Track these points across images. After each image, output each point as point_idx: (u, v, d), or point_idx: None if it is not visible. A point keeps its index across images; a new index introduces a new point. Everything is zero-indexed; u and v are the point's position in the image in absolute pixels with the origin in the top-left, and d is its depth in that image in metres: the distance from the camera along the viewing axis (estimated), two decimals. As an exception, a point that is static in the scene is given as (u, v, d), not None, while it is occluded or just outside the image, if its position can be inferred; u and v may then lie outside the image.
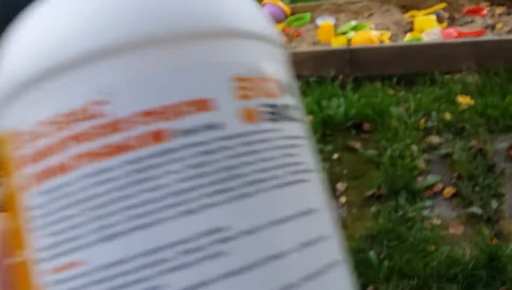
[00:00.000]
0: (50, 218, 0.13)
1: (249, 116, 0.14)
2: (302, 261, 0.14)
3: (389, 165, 1.58)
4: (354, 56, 2.12)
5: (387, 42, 2.25)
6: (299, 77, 2.20)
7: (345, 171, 1.62)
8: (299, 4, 2.98)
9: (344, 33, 2.41)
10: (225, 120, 0.14)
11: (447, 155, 1.59)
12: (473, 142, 1.59)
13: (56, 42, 0.14)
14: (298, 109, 0.17)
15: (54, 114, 0.13)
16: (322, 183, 0.17)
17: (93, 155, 0.13)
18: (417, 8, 2.61)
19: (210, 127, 0.14)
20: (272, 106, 0.15)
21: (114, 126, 0.13)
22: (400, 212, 1.39)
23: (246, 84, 0.14)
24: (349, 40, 2.23)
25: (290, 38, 2.57)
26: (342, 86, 2.08)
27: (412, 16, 2.49)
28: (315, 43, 2.46)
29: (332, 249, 0.16)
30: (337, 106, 1.91)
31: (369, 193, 1.50)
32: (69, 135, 0.13)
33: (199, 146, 0.13)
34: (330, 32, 2.44)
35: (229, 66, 0.14)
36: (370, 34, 2.27)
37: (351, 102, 1.93)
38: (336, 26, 2.58)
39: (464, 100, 1.78)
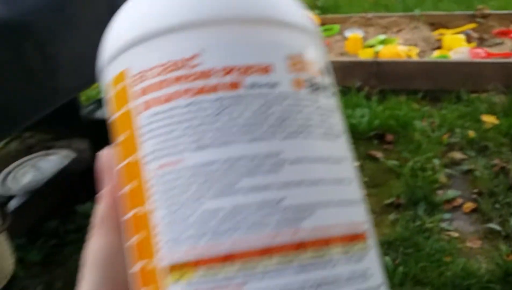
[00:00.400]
0: (155, 131, 0.19)
1: (297, 84, 0.20)
2: (332, 190, 0.20)
3: (410, 176, 1.60)
4: (380, 68, 2.15)
5: (415, 58, 2.27)
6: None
7: (365, 179, 1.64)
8: (329, 16, 3.02)
9: (372, 46, 2.43)
10: (280, 82, 0.20)
11: (469, 171, 1.61)
12: (496, 161, 1.60)
13: (166, 11, 0.20)
14: (330, 87, 0.22)
15: (162, 61, 0.19)
16: (347, 143, 0.22)
17: (188, 91, 0.19)
18: (447, 26, 2.63)
19: (269, 84, 0.19)
20: (313, 81, 0.21)
21: (203, 74, 0.19)
22: (418, 222, 1.41)
23: (296, 62, 0.20)
24: (376, 53, 2.25)
25: (319, 47, 2.60)
26: (367, 97, 2.11)
27: (441, 34, 2.51)
28: (342, 54, 2.49)
29: (357, 192, 0.21)
30: (361, 115, 1.94)
31: (388, 201, 1.52)
32: (171, 76, 0.19)
33: (260, 96, 0.19)
34: (358, 44, 2.47)
35: (287, 46, 0.20)
36: (397, 49, 2.29)
37: (375, 113, 1.95)
38: (364, 39, 2.61)
39: (488, 119, 1.79)
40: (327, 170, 0.20)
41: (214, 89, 0.19)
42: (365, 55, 2.33)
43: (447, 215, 1.43)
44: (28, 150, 2.02)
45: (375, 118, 1.92)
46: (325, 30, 2.80)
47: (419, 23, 2.68)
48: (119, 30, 0.21)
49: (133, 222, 0.20)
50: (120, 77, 0.20)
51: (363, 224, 0.21)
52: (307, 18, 0.23)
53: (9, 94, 1.00)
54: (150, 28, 0.20)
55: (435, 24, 2.68)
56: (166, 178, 0.19)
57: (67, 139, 2.03)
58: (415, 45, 2.46)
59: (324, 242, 0.19)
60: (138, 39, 0.20)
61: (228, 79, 0.19)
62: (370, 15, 2.83)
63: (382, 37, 2.51)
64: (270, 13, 0.21)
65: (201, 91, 0.19)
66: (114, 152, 0.22)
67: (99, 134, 1.66)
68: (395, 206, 1.50)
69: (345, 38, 2.64)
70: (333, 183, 0.20)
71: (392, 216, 1.45)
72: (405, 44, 2.46)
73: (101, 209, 0.23)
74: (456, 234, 1.36)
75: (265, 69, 0.20)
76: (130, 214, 0.20)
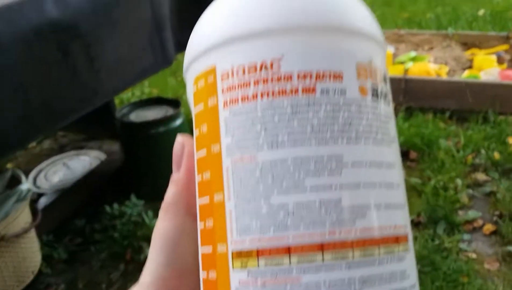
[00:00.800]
0: (233, 128, 0.21)
1: (363, 91, 0.22)
2: (383, 194, 0.21)
3: (432, 195, 1.60)
4: (409, 85, 2.15)
5: (444, 77, 2.27)
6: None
7: (386, 195, 1.65)
8: (360, 31, 3.03)
9: (402, 63, 2.44)
10: (349, 89, 0.21)
11: (491, 193, 1.60)
12: (519, 184, 1.59)
13: (252, 16, 0.22)
14: (390, 95, 0.24)
15: (246, 63, 0.21)
16: (398, 151, 0.24)
17: (268, 93, 0.21)
18: (479, 47, 2.61)
19: (339, 91, 0.21)
20: (377, 88, 0.22)
21: (282, 78, 0.21)
22: (437, 241, 1.41)
23: (363, 70, 0.22)
24: (406, 70, 2.26)
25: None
26: (394, 114, 2.11)
27: (473, 54, 2.49)
28: (371, 69, 2.50)
29: (403, 196, 0.23)
30: (386, 131, 1.95)
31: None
32: (254, 78, 0.21)
33: (332, 102, 0.21)
34: (388, 60, 2.47)
35: (357, 54, 0.22)
36: (428, 67, 2.29)
37: (400, 130, 1.96)
38: (395, 55, 2.62)
39: (515, 142, 1.78)
40: (381, 175, 0.21)
41: (290, 92, 0.21)
42: (394, 71, 2.33)
43: (466, 236, 1.43)
44: (60, 149, 2.09)
45: (400, 135, 1.92)
46: (356, 45, 2.82)
47: (452, 42, 2.67)
48: (210, 28, 0.23)
49: (208, 208, 0.22)
50: (209, 72, 0.22)
51: (405, 227, 0.22)
52: (376, 26, 0.24)
53: (53, 92, 1.04)
54: (238, 30, 0.21)
55: (467, 44, 2.66)
56: (241, 171, 0.21)
57: (99, 140, 2.10)
58: (446, 63, 2.45)
59: (372, 242, 0.20)
60: (226, 40, 0.22)
61: (304, 84, 0.21)
62: (402, 31, 2.84)
63: (413, 54, 2.51)
64: (343, 22, 0.22)
65: (278, 93, 0.21)
66: (192, 140, 0.24)
67: (130, 137, 1.72)
68: (415, 224, 1.50)
69: (375, 54, 2.66)
70: (384, 187, 0.21)
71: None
72: (436, 62, 2.46)
73: (172, 192, 0.25)
74: (474, 255, 1.36)
75: (337, 76, 0.21)
76: (205, 200, 0.22)
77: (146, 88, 2.72)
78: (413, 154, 1.85)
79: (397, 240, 0.21)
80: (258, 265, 0.20)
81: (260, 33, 0.21)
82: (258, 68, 0.21)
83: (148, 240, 1.48)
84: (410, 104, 2.15)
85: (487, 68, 2.27)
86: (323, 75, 0.21)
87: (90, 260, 1.49)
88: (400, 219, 0.22)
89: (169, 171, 0.26)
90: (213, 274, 0.21)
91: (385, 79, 0.23)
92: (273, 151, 0.20)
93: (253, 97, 0.21)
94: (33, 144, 2.12)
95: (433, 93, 2.13)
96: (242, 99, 0.21)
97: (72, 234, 1.59)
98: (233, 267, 0.20)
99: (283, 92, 0.21)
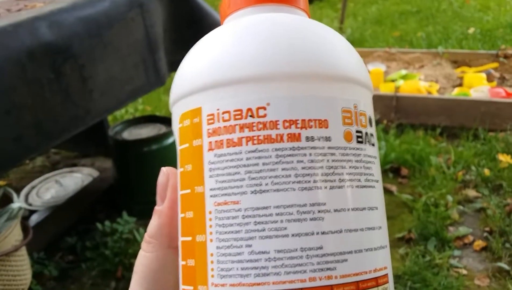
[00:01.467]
0: (218, 171, 0.22)
1: (348, 136, 0.22)
2: (364, 238, 0.22)
3: (422, 211, 1.61)
4: (400, 103, 2.18)
5: (435, 94, 2.30)
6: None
7: (378, 212, 1.66)
8: (353, 48, 3.07)
9: (393, 81, 2.47)
10: (333, 136, 0.22)
11: (481, 210, 1.61)
12: (509, 200, 1.61)
13: (240, 61, 0.22)
14: (374, 136, 0.25)
15: (232, 108, 0.22)
16: (381, 191, 0.25)
17: (253, 139, 0.21)
18: (469, 65, 2.65)
19: (324, 138, 0.22)
20: (362, 133, 0.23)
21: (266, 124, 0.21)
22: (428, 258, 1.42)
23: (349, 115, 0.22)
24: (397, 88, 2.29)
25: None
26: (385, 130, 2.13)
27: (463, 72, 2.53)
28: (363, 87, 2.53)
29: (384, 237, 0.24)
30: (377, 148, 1.96)
31: (399, 235, 1.53)
32: (240, 123, 0.22)
33: (316, 148, 0.21)
34: (379, 78, 2.50)
35: (342, 101, 0.22)
36: (418, 84, 2.32)
37: (392, 146, 1.97)
38: (386, 73, 2.65)
39: (504, 159, 1.80)
40: (363, 219, 0.22)
41: (276, 139, 0.21)
42: (385, 89, 2.36)
43: (457, 252, 1.44)
44: (53, 166, 2.09)
45: (392, 152, 1.94)
46: (348, 63, 2.85)
47: (442, 60, 2.71)
48: (198, 68, 0.23)
49: (190, 247, 0.22)
50: (195, 113, 0.23)
51: (385, 268, 0.23)
52: (361, 69, 0.24)
53: (46, 112, 1.05)
54: (224, 75, 0.22)
55: (457, 62, 2.70)
56: (225, 214, 0.21)
57: (91, 157, 2.10)
58: (436, 81, 2.48)
59: (352, 287, 0.21)
60: (213, 84, 0.22)
61: (289, 131, 0.21)
62: (393, 50, 2.87)
63: (403, 72, 2.55)
64: (328, 69, 0.22)
65: (264, 140, 0.21)
66: (178, 176, 0.24)
67: (123, 154, 1.73)
68: (406, 240, 1.51)
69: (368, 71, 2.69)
70: (366, 231, 0.22)
71: (402, 250, 1.47)
72: (426, 80, 2.49)
73: (155, 224, 0.25)
74: (464, 271, 1.36)
75: (322, 123, 0.21)
76: (188, 238, 0.22)
77: (140, 105, 2.73)
78: (404, 171, 1.87)
79: (376, 282, 0.22)
80: None
81: (246, 79, 0.21)
82: (244, 115, 0.21)
83: (139, 257, 1.48)
84: (401, 121, 2.17)
85: (477, 86, 2.30)
86: (308, 122, 0.21)
87: (81, 278, 1.48)
88: (380, 261, 0.22)
89: None
90: None
91: (370, 122, 0.24)
92: (257, 197, 0.21)
93: (238, 142, 0.21)
94: (26, 161, 2.12)
95: (424, 110, 2.15)
96: (227, 144, 0.21)
97: (63, 251, 1.58)
98: None
99: (268, 139, 0.21)
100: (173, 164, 0.25)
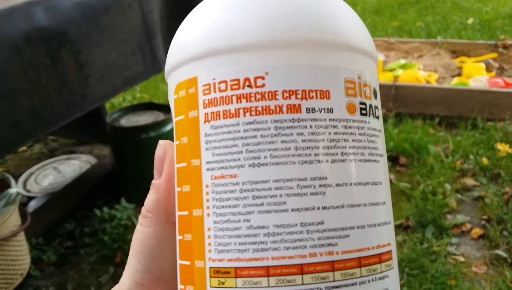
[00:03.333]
0: (215, 143, 0.21)
1: (351, 108, 0.21)
2: (367, 214, 0.21)
3: (421, 199, 1.61)
4: (399, 92, 2.17)
5: (434, 83, 2.29)
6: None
7: (376, 200, 1.67)
8: (352, 38, 3.06)
9: (392, 70, 2.46)
10: (335, 107, 0.21)
11: (479, 198, 1.61)
12: (507, 189, 1.61)
13: (238, 28, 0.21)
14: (379, 109, 0.24)
15: (228, 77, 0.21)
16: (386, 166, 0.24)
17: (251, 110, 0.20)
18: (468, 55, 2.64)
19: (325, 109, 0.21)
20: (366, 104, 0.22)
21: (265, 95, 0.20)
22: (426, 245, 1.42)
23: (352, 86, 0.21)
24: (396, 77, 2.28)
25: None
26: (384, 120, 2.13)
27: (462, 62, 2.52)
28: (362, 76, 2.52)
29: (388, 213, 0.23)
30: (376, 137, 1.96)
31: (397, 223, 1.53)
32: (237, 93, 0.21)
33: (318, 120, 0.21)
34: (378, 67, 2.49)
35: (345, 71, 0.21)
36: (417, 74, 2.32)
37: (390, 135, 1.97)
38: (385, 62, 2.64)
39: (503, 148, 1.80)
40: (366, 194, 0.21)
41: (274, 111, 0.20)
42: (384, 78, 2.35)
43: (454, 240, 1.44)
44: (51, 153, 2.09)
45: (390, 140, 1.94)
46: (347, 52, 2.84)
47: (441, 50, 2.70)
48: (193, 35, 0.22)
49: (187, 222, 0.22)
50: (191, 83, 0.22)
51: (389, 244, 0.22)
52: (366, 38, 0.23)
53: (42, 97, 1.05)
54: (221, 43, 0.21)
55: (456, 52, 2.70)
56: (222, 188, 0.20)
57: (89, 144, 2.10)
58: (435, 71, 2.48)
59: (354, 263, 0.20)
60: (209, 52, 0.21)
61: (289, 102, 0.20)
62: (392, 39, 2.87)
63: (402, 61, 2.54)
64: (330, 37, 0.21)
65: (262, 111, 0.20)
66: (174, 149, 0.23)
67: (120, 141, 1.72)
68: (404, 228, 1.51)
69: (366, 61, 2.68)
70: (368, 206, 0.21)
71: (400, 238, 1.47)
72: (425, 70, 2.49)
73: (152, 198, 0.25)
74: (462, 259, 1.37)
75: (323, 94, 0.20)
76: (185, 213, 0.22)
77: (138, 93, 2.72)
78: (402, 159, 1.87)
79: (380, 259, 0.21)
80: (236, 285, 0.20)
81: (244, 48, 0.21)
82: (241, 84, 0.20)
83: (137, 244, 1.49)
84: (400, 110, 2.17)
85: (475, 76, 2.30)
86: (309, 93, 0.20)
87: (80, 263, 1.48)
88: (383, 238, 0.21)
89: None
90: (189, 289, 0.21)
91: (375, 93, 0.23)
92: (255, 171, 0.20)
93: (236, 113, 0.20)
94: (24, 148, 2.12)
95: (423, 99, 2.15)
96: (224, 115, 0.21)
97: (62, 237, 1.59)
98: (210, 286, 0.20)
99: (267, 110, 0.20)
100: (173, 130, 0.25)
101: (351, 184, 0.21)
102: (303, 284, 0.19)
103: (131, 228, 1.56)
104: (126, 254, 1.44)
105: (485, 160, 1.77)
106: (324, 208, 0.20)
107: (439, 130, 2.04)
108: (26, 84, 1.02)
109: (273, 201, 0.20)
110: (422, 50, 2.73)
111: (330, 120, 0.20)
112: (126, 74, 1.28)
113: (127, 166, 1.73)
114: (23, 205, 1.38)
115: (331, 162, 0.20)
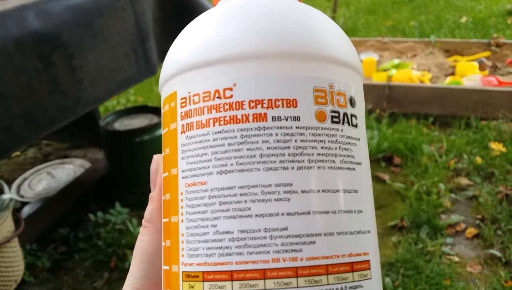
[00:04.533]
0: (188, 153, 0.22)
1: (320, 116, 0.22)
2: (337, 221, 0.21)
3: (415, 199, 1.62)
4: (393, 92, 2.18)
5: (427, 83, 2.30)
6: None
7: (370, 200, 1.67)
8: (345, 38, 3.07)
9: (385, 70, 2.47)
10: (303, 115, 0.21)
11: (473, 197, 1.62)
12: (501, 188, 1.61)
13: (208, 44, 0.22)
14: (359, 117, 0.23)
15: (201, 90, 0.22)
16: (366, 174, 0.23)
17: (219, 120, 0.21)
18: (461, 54, 2.65)
19: (291, 117, 0.21)
20: (339, 113, 0.22)
21: (233, 105, 0.21)
22: (420, 245, 1.43)
23: (323, 94, 0.22)
24: (389, 77, 2.29)
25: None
26: (378, 120, 2.14)
27: (455, 61, 2.53)
28: (356, 76, 2.53)
29: (365, 222, 0.22)
30: (370, 137, 1.97)
31: (392, 223, 1.54)
32: (207, 105, 0.21)
33: (283, 128, 0.21)
34: (372, 67, 2.50)
35: (314, 80, 0.22)
36: (411, 73, 2.32)
37: (384, 136, 1.98)
38: (379, 62, 2.65)
39: (496, 147, 1.80)
40: (335, 201, 0.21)
41: (241, 120, 0.21)
42: (378, 78, 2.36)
43: (449, 240, 1.45)
44: (45, 158, 2.08)
45: (384, 141, 1.95)
46: (341, 52, 2.84)
47: (434, 49, 2.71)
48: (174, 55, 0.24)
49: (167, 228, 0.23)
50: (172, 97, 0.23)
51: (366, 254, 0.22)
52: (341, 47, 0.23)
53: (35, 101, 1.04)
54: (195, 59, 0.22)
55: (450, 51, 2.70)
56: (193, 195, 0.21)
57: (83, 148, 2.09)
58: (429, 70, 2.49)
59: (320, 270, 0.20)
60: (185, 68, 0.22)
61: (255, 111, 0.21)
62: (386, 39, 2.87)
63: (396, 61, 2.55)
64: (298, 47, 0.21)
65: (230, 121, 0.21)
66: (161, 161, 0.25)
67: (114, 145, 1.72)
68: (399, 228, 1.52)
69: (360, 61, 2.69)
70: (339, 213, 0.21)
71: (394, 238, 1.47)
72: (419, 69, 2.49)
73: (149, 209, 0.26)
74: (457, 259, 1.37)
75: (290, 103, 0.21)
76: (166, 220, 0.23)
77: (132, 96, 2.72)
78: (397, 159, 1.87)
79: (351, 268, 0.21)
80: (203, 289, 0.20)
81: (215, 61, 0.21)
82: (212, 96, 0.21)
83: (132, 248, 1.48)
84: (393, 110, 2.18)
85: (469, 75, 2.30)
86: (275, 102, 0.21)
87: (74, 269, 1.48)
88: (357, 247, 0.21)
89: None
90: None
91: (352, 102, 0.23)
92: (222, 177, 0.21)
93: (206, 124, 0.21)
94: (17, 152, 2.11)
95: (416, 99, 2.16)
96: (196, 126, 0.22)
97: (56, 242, 1.58)
98: (182, 289, 0.21)
99: (234, 120, 0.21)
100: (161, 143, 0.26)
101: (318, 191, 0.21)
102: (265, 289, 0.19)
103: (125, 232, 1.55)
104: (120, 258, 1.44)
105: (479, 159, 1.78)
106: (288, 214, 0.20)
107: (433, 130, 2.05)
108: (18, 89, 1.01)
109: (238, 207, 0.20)
110: (416, 50, 2.74)
111: (297, 127, 0.21)
112: (119, 77, 1.28)
113: (122, 170, 1.72)
114: (16, 211, 1.38)
115: (297, 169, 0.21)
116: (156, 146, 1.63)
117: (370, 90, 2.23)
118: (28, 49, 1.02)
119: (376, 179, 1.78)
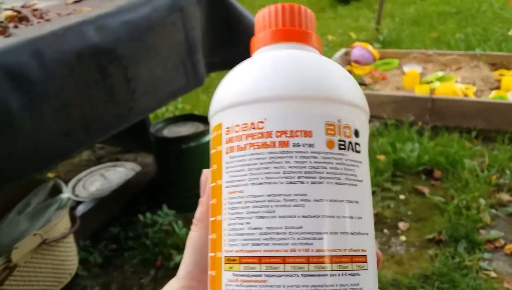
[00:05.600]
0: (230, 168, 0.29)
1: (330, 144, 0.28)
2: (340, 224, 0.27)
3: (454, 213, 1.63)
4: (435, 105, 2.18)
5: (471, 97, 2.29)
6: (378, 118, 2.29)
7: (409, 213, 1.69)
8: (389, 50, 3.08)
9: (429, 82, 2.47)
10: (316, 143, 0.28)
11: (514, 214, 1.61)
12: (543, 205, 1.60)
13: (246, 88, 0.29)
14: (362, 145, 0.30)
15: (240, 122, 0.29)
16: (367, 189, 0.30)
17: (254, 145, 0.28)
18: (507, 67, 2.62)
19: (307, 144, 0.28)
20: (345, 141, 0.29)
21: (264, 134, 0.28)
22: (457, 259, 1.44)
23: (332, 127, 0.28)
24: (432, 90, 2.29)
25: (375, 80, 2.67)
26: (419, 132, 2.15)
27: (501, 75, 2.50)
28: (398, 88, 2.54)
29: (364, 226, 0.29)
30: (411, 150, 1.98)
31: (430, 236, 1.55)
32: (245, 133, 0.28)
33: (301, 152, 0.28)
34: (415, 80, 2.51)
35: (326, 116, 0.28)
36: (454, 86, 2.32)
37: (425, 149, 1.99)
38: (422, 74, 2.65)
39: (540, 163, 1.79)
40: (340, 209, 0.27)
41: (270, 145, 0.27)
42: (421, 90, 2.36)
43: (487, 255, 1.45)
44: (98, 161, 2.20)
45: (425, 154, 1.96)
46: (384, 64, 2.86)
47: (480, 62, 2.68)
48: (221, 95, 0.31)
49: (213, 225, 0.30)
50: (219, 127, 0.30)
51: (363, 250, 0.28)
52: (348, 91, 0.29)
53: (92, 110, 1.13)
54: (237, 99, 0.29)
55: (496, 64, 2.67)
56: (233, 200, 0.28)
57: (134, 153, 2.20)
58: (473, 84, 2.47)
59: (326, 259, 0.26)
60: (229, 105, 0.29)
61: (280, 139, 0.27)
62: (430, 51, 2.87)
63: (440, 74, 2.54)
64: (314, 92, 0.28)
65: (261, 146, 0.28)
66: (209, 174, 0.32)
67: (163, 150, 1.81)
68: (436, 242, 1.53)
69: (403, 73, 2.69)
70: (342, 218, 0.27)
71: (431, 251, 1.49)
72: (463, 83, 2.48)
73: (199, 211, 0.33)
74: (494, 274, 1.38)
75: (307, 133, 0.27)
76: (212, 219, 0.30)
77: (180, 104, 2.82)
78: (437, 173, 1.88)
79: (351, 259, 0.27)
80: (240, 269, 0.27)
81: (251, 101, 0.28)
82: (248, 127, 0.28)
83: (177, 248, 1.57)
84: (436, 123, 2.18)
85: (515, 89, 2.28)
86: (295, 132, 0.27)
87: (123, 265, 1.57)
88: (357, 244, 0.28)
89: (198, 185, 0.35)
90: (213, 273, 0.29)
91: (356, 133, 0.29)
92: (254, 188, 0.27)
93: (244, 147, 0.28)
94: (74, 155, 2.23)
95: (460, 112, 2.15)
96: (237, 149, 0.28)
97: (107, 240, 1.68)
98: (224, 269, 0.28)
99: (264, 145, 0.28)
100: (209, 160, 0.32)
101: (326, 200, 0.27)
102: (284, 271, 0.26)
103: (171, 233, 1.63)
104: (166, 258, 1.53)
105: (521, 175, 1.76)
106: (303, 216, 0.26)
107: (475, 144, 2.04)
108: (78, 98, 1.09)
109: (266, 210, 0.27)
110: (461, 63, 2.72)
111: (311, 152, 0.27)
112: (169, 88, 1.35)
113: (169, 175, 1.81)
114: (72, 209, 1.47)
115: (311, 183, 0.27)
116: (201, 153, 1.72)
117: (412, 102, 2.24)
118: (87, 62, 1.10)
119: (415, 192, 1.80)
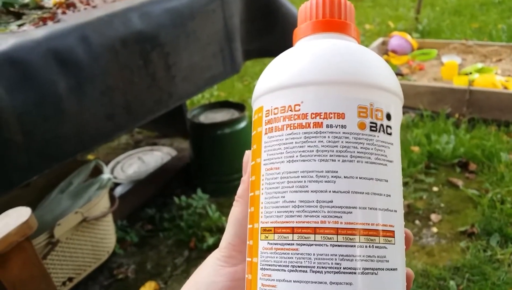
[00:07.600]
0: (268, 147, 0.31)
1: (361, 126, 0.30)
2: (370, 200, 0.29)
3: (488, 207, 1.61)
4: (473, 97, 2.15)
5: (511, 89, 2.24)
6: (413, 109, 2.27)
7: (442, 205, 1.68)
8: (428, 40, 3.03)
9: (467, 74, 2.42)
10: (348, 124, 0.30)
11: (551, 209, 1.59)
12: None
13: (286, 74, 0.31)
14: (394, 128, 0.32)
15: (279, 105, 0.31)
16: (397, 170, 0.31)
17: (290, 126, 0.30)
18: (551, 60, 2.55)
19: (340, 125, 0.30)
20: (376, 124, 0.31)
21: (300, 116, 0.30)
22: (489, 252, 1.43)
23: (364, 110, 0.30)
24: (471, 81, 2.25)
25: (413, 70, 2.63)
26: (456, 125, 2.12)
27: (544, 68, 2.44)
28: (436, 79, 2.50)
29: (392, 204, 0.31)
30: (446, 142, 1.96)
31: (462, 229, 1.55)
32: (283, 115, 0.31)
33: (334, 133, 0.30)
34: (453, 71, 2.47)
35: (358, 99, 0.30)
36: (494, 79, 2.27)
37: (461, 141, 1.97)
38: (461, 66, 2.60)
39: None
40: (369, 186, 0.29)
41: (305, 126, 0.29)
42: (459, 82, 2.33)
43: (520, 249, 1.44)
44: (136, 144, 2.27)
45: (461, 146, 1.94)
46: (422, 54, 2.81)
47: (522, 54, 2.62)
48: (263, 80, 0.33)
49: (252, 199, 0.32)
50: (260, 110, 0.32)
51: (391, 226, 0.30)
52: (380, 76, 0.31)
53: (134, 95, 1.17)
54: (276, 84, 0.31)
55: (539, 56, 2.60)
56: (270, 176, 0.30)
57: (171, 138, 2.26)
58: (514, 76, 2.41)
59: (354, 231, 0.28)
60: (269, 90, 0.31)
61: (314, 120, 0.29)
62: (470, 42, 2.81)
63: (479, 65, 2.49)
64: (347, 77, 0.30)
65: (297, 126, 0.30)
66: (250, 153, 0.35)
67: (198, 136, 1.86)
68: (468, 234, 1.53)
69: (442, 64, 2.65)
70: (371, 195, 0.29)
71: (463, 244, 1.49)
72: (503, 75, 2.43)
73: (241, 188, 0.36)
74: (527, 269, 1.37)
75: (340, 115, 0.29)
76: (251, 194, 0.33)
77: (215, 91, 2.86)
78: (472, 166, 1.86)
79: (378, 233, 0.29)
80: (274, 238, 0.29)
81: (289, 86, 0.31)
82: (286, 109, 0.30)
83: (210, 231, 1.62)
84: (473, 116, 2.15)
85: (557, 82, 2.22)
86: (329, 114, 0.29)
87: (158, 245, 1.62)
88: (385, 220, 0.29)
89: (232, 170, 0.37)
90: (251, 242, 0.32)
91: (388, 117, 0.31)
92: (290, 165, 0.30)
93: (282, 128, 0.30)
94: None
95: (498, 105, 2.11)
96: (275, 129, 0.31)
97: (143, 221, 1.74)
98: (260, 239, 0.30)
99: (300, 126, 0.30)
100: (244, 146, 0.35)
101: (356, 177, 0.29)
102: (315, 240, 0.28)
103: (205, 216, 1.68)
104: (199, 239, 1.58)
105: (560, 171, 1.73)
106: (334, 191, 0.28)
107: (513, 138, 2.00)
108: (121, 82, 1.13)
109: (299, 185, 0.29)
110: (502, 54, 2.66)
111: (343, 133, 0.29)
112: (207, 75, 1.38)
113: (204, 160, 1.85)
114: (111, 190, 1.53)
115: (342, 161, 0.29)
116: (235, 139, 1.75)
117: (449, 94, 2.21)
118: (131, 47, 1.14)
119: (449, 184, 1.79)
